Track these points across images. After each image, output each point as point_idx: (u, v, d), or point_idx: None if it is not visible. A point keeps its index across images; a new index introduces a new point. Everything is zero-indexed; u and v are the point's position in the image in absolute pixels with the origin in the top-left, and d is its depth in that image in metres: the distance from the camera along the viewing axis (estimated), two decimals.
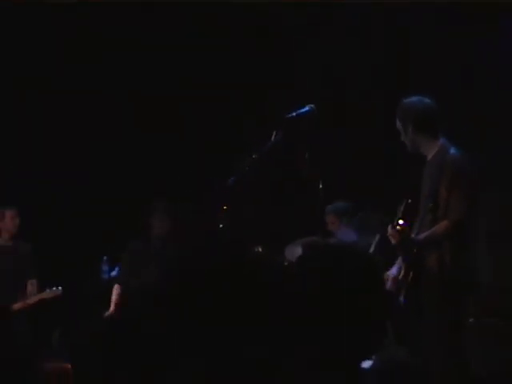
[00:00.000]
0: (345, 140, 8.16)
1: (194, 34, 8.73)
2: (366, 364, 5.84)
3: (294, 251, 6.92)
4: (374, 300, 5.66)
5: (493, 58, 7.49)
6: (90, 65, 8.74)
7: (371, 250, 6.75)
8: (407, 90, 5.65)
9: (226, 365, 5.46)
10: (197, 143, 8.70)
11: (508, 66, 7.45)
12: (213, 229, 5.51)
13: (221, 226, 5.17)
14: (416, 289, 5.01)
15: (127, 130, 8.73)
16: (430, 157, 5.12)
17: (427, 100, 5.14)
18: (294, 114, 5.12)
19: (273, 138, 5.02)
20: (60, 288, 7.37)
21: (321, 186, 5.27)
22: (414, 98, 5.15)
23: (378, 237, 6.82)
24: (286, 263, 6.89)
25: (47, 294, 7.36)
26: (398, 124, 5.16)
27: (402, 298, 5.07)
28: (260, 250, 6.73)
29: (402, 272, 5.07)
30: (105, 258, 8.02)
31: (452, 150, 5.03)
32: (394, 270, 5.14)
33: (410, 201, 4.97)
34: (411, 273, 5.02)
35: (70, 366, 7.28)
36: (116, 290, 7.45)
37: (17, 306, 7.32)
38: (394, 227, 4.93)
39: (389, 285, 5.08)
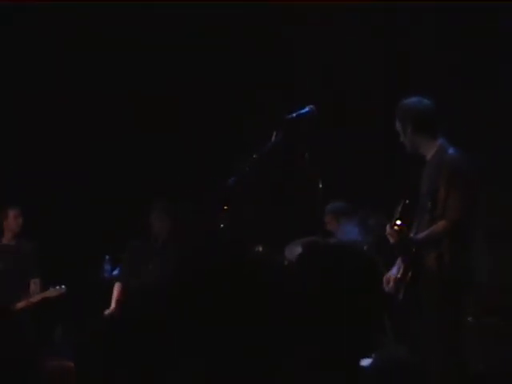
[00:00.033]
0: (345, 140, 8.16)
1: (194, 33, 8.74)
2: (366, 362, 5.85)
3: (294, 251, 6.93)
4: (373, 299, 5.68)
5: (493, 57, 7.50)
6: (90, 65, 8.75)
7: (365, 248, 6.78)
8: (407, 90, 5.65)
9: (226, 365, 5.47)
10: (197, 143, 8.70)
11: (508, 66, 7.45)
12: (213, 229, 5.51)
13: (221, 225, 5.18)
14: (415, 288, 5.03)
15: (127, 130, 8.73)
16: (429, 157, 5.14)
17: (426, 101, 5.16)
18: (294, 114, 5.14)
19: (273, 138, 5.04)
20: (63, 287, 7.40)
21: (321, 186, 5.28)
22: (412, 99, 5.17)
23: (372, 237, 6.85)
24: (285, 263, 6.91)
25: (51, 292, 7.39)
26: (398, 125, 5.18)
27: (400, 296, 5.08)
28: (260, 249, 6.74)
29: (401, 271, 5.09)
30: (107, 257, 8.04)
31: (450, 150, 5.04)
32: (394, 271, 5.15)
33: (407, 201, 4.99)
34: (410, 272, 5.04)
35: (72, 364, 7.30)
36: (117, 288, 7.47)
37: (20, 304, 7.34)
38: (391, 227, 4.94)
39: (391, 285, 5.09)
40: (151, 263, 7.29)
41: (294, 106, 5.30)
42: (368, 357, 5.89)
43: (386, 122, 5.68)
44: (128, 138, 8.74)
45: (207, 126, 8.63)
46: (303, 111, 5.17)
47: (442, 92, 7.16)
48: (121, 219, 8.28)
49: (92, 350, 6.76)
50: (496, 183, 7.22)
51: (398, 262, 5.17)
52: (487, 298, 6.62)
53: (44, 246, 7.68)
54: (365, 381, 5.70)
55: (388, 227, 4.97)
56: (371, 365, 5.84)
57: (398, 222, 4.90)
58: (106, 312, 7.29)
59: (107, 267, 7.97)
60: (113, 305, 7.37)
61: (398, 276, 5.08)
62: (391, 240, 4.99)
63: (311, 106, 5.18)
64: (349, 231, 7.28)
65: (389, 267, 5.25)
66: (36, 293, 7.44)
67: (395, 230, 4.92)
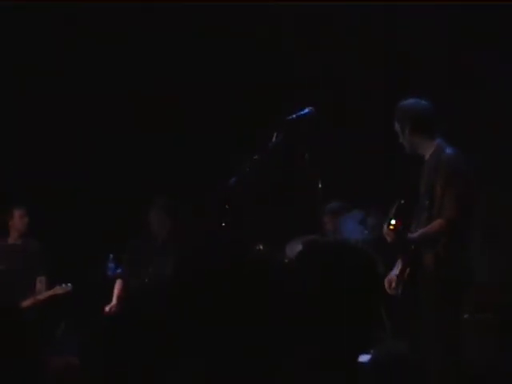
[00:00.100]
0: (345, 140, 8.17)
1: (194, 33, 8.74)
2: (364, 358, 5.86)
3: (295, 248, 6.95)
4: (373, 297, 5.68)
5: (493, 57, 7.50)
6: (90, 65, 8.75)
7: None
8: (407, 90, 5.67)
9: (225, 365, 5.47)
10: (197, 143, 8.70)
11: (508, 66, 7.45)
12: (213, 229, 5.53)
13: (223, 224, 5.20)
14: (412, 285, 5.05)
15: (127, 130, 8.74)
16: (427, 157, 5.17)
17: (424, 102, 5.19)
18: (294, 116, 5.18)
19: (273, 139, 5.06)
20: (70, 285, 7.45)
21: (321, 186, 5.30)
22: (410, 101, 5.21)
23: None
24: (286, 260, 6.92)
25: (58, 290, 7.45)
26: (396, 126, 5.22)
27: (399, 293, 5.11)
28: (261, 247, 6.75)
29: (399, 268, 5.12)
30: (111, 255, 8.06)
31: (448, 150, 5.08)
32: (395, 271, 5.18)
33: (402, 201, 5.02)
34: (408, 269, 5.07)
35: (77, 361, 7.33)
36: (118, 285, 7.50)
37: (27, 302, 7.40)
38: (387, 227, 4.98)
39: (393, 286, 5.11)
40: (151, 263, 7.31)
41: (294, 106, 5.32)
42: (367, 352, 5.90)
43: (385, 122, 5.69)
44: (128, 138, 8.74)
45: (207, 126, 8.63)
46: (303, 112, 5.22)
47: (442, 92, 7.18)
48: (126, 218, 8.28)
49: (96, 347, 6.78)
50: (496, 183, 7.23)
51: (398, 261, 5.19)
52: (487, 297, 6.63)
53: (48, 245, 7.73)
54: (364, 376, 5.71)
55: (385, 227, 5.01)
56: (370, 360, 5.85)
57: (393, 222, 4.94)
58: (107, 308, 7.33)
59: (111, 265, 7.99)
60: (114, 301, 7.40)
61: (396, 273, 5.12)
62: (388, 239, 5.02)
63: (311, 108, 5.22)
64: (347, 230, 7.31)
65: (388, 266, 5.28)
66: (42, 291, 7.51)
67: (390, 229, 4.96)
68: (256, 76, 8.59)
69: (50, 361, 7.41)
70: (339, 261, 5.77)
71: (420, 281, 5.02)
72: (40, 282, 7.57)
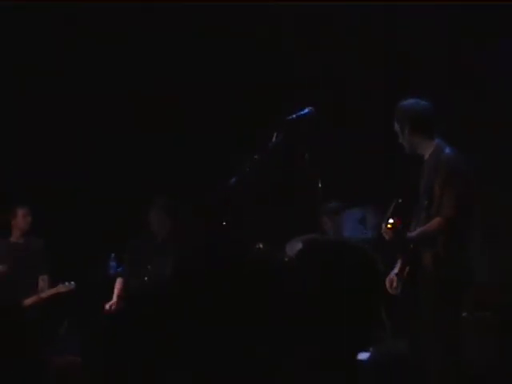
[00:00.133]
0: (345, 140, 8.17)
1: (194, 33, 8.74)
2: (364, 356, 5.87)
3: (295, 247, 6.95)
4: (372, 295, 5.69)
5: (493, 58, 7.51)
6: (90, 65, 8.75)
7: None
8: (407, 90, 5.67)
9: (226, 365, 5.47)
10: (197, 143, 8.71)
11: (508, 65, 7.46)
12: (214, 229, 5.53)
13: (223, 224, 5.21)
14: (412, 284, 5.07)
15: (127, 130, 8.74)
16: (426, 157, 5.18)
17: (423, 102, 5.20)
18: (294, 116, 5.19)
19: (273, 139, 5.07)
20: (73, 283, 7.48)
21: (320, 186, 5.31)
22: (410, 101, 5.22)
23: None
24: (286, 259, 6.92)
25: (61, 288, 7.47)
26: (396, 126, 5.23)
27: (398, 291, 5.13)
28: (261, 246, 6.75)
29: (399, 267, 5.14)
30: (112, 254, 8.08)
31: (447, 150, 5.09)
32: (395, 270, 5.19)
33: (400, 200, 5.03)
34: (407, 268, 5.08)
35: (79, 359, 7.35)
36: (119, 283, 7.52)
37: (30, 300, 7.43)
38: (385, 225, 5.00)
39: (394, 286, 5.12)
40: (151, 263, 7.31)
41: (294, 106, 5.33)
42: (366, 351, 5.92)
43: (385, 122, 5.69)
44: (128, 138, 8.74)
45: (207, 126, 8.64)
46: (303, 112, 5.23)
47: (442, 92, 7.18)
48: (128, 217, 8.29)
49: (97, 346, 6.79)
50: (496, 183, 7.24)
51: (399, 261, 5.20)
52: (487, 297, 6.64)
53: (50, 244, 7.75)
54: (363, 375, 5.72)
55: (383, 225, 5.02)
56: (369, 358, 5.86)
57: (391, 221, 4.95)
58: (107, 305, 7.34)
59: (113, 264, 8.01)
60: (114, 299, 7.42)
61: (396, 271, 5.13)
62: (386, 237, 5.04)
63: (311, 108, 5.22)
64: (347, 229, 7.33)
65: (389, 265, 5.28)
66: (45, 289, 7.54)
67: (388, 228, 4.97)
68: (256, 76, 8.59)
69: (53, 359, 7.44)
70: (339, 259, 5.78)
71: (419, 280, 5.03)
72: (42, 281, 7.60)
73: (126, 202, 8.44)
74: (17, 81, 8.65)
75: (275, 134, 5.07)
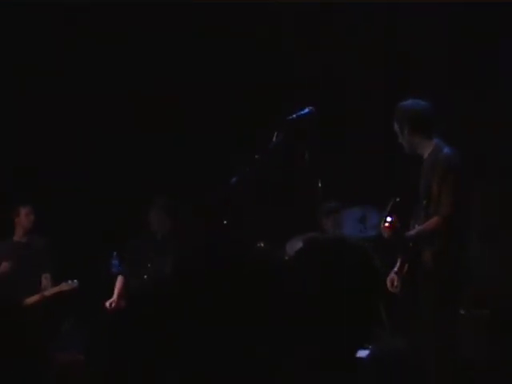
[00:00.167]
0: (345, 140, 8.17)
1: (194, 33, 8.74)
2: (363, 353, 5.88)
3: (295, 246, 6.96)
4: (372, 294, 5.69)
5: (493, 57, 7.51)
6: (90, 65, 8.75)
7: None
8: (407, 90, 5.68)
9: (226, 364, 5.48)
10: (197, 143, 8.71)
11: (508, 65, 7.46)
12: (214, 229, 5.54)
13: (223, 223, 5.22)
14: (411, 283, 5.08)
15: (127, 130, 8.74)
16: (425, 156, 5.20)
17: (422, 102, 5.22)
18: (294, 115, 5.19)
19: (273, 139, 5.08)
20: (76, 281, 7.49)
21: (320, 186, 5.32)
22: (409, 101, 5.24)
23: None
24: (286, 258, 6.93)
25: (64, 286, 7.48)
26: (396, 126, 5.24)
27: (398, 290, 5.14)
28: (262, 245, 6.76)
29: (398, 265, 5.15)
30: (115, 253, 8.08)
31: (445, 149, 5.11)
32: (396, 270, 5.20)
33: (397, 199, 5.05)
34: (406, 266, 5.10)
35: (82, 357, 7.36)
36: (119, 281, 7.52)
37: (34, 298, 7.44)
38: (383, 224, 5.02)
39: (395, 285, 5.14)
40: (151, 263, 7.32)
41: (294, 106, 5.33)
42: (365, 348, 5.92)
43: (385, 122, 5.69)
44: (128, 138, 8.74)
45: (207, 126, 8.63)
46: (303, 112, 5.23)
47: (442, 92, 7.19)
48: (130, 216, 8.29)
49: (100, 344, 6.81)
50: (496, 183, 7.24)
51: (399, 260, 5.22)
52: (486, 296, 6.64)
53: (53, 242, 7.76)
54: (363, 373, 5.72)
55: (382, 224, 5.04)
56: (369, 357, 5.87)
57: (388, 219, 4.97)
58: (107, 303, 7.35)
59: (115, 262, 8.01)
60: (114, 296, 7.42)
61: (395, 270, 5.15)
62: (384, 235, 5.05)
63: (311, 107, 5.23)
64: (347, 228, 7.34)
65: (389, 264, 5.29)
66: (47, 287, 7.55)
67: (386, 227, 4.99)
68: (256, 76, 8.59)
69: (56, 357, 7.45)
70: (339, 258, 5.79)
71: (419, 280, 5.04)
72: (45, 279, 7.62)
73: (124, 203, 8.44)
74: (17, 81, 8.65)
75: (275, 134, 5.08)
